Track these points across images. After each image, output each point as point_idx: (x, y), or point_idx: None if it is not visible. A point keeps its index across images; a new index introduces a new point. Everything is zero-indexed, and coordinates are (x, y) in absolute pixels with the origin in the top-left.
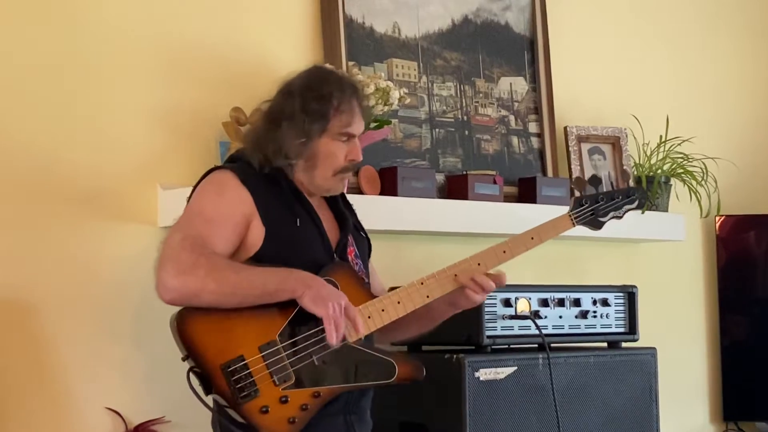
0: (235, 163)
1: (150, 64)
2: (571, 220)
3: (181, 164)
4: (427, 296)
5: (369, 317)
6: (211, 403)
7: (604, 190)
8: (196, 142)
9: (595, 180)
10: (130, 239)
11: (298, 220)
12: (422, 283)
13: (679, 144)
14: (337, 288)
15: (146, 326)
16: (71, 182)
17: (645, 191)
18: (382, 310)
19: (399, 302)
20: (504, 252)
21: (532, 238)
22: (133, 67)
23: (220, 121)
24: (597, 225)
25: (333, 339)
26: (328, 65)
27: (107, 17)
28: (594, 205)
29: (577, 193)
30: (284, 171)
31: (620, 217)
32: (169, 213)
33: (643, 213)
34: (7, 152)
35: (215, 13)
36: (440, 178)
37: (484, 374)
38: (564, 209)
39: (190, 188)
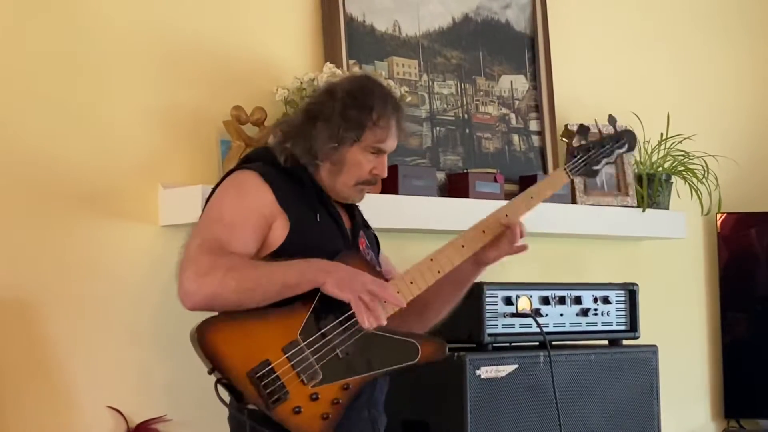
0: (254, 162)
1: (151, 63)
2: (566, 172)
3: (181, 163)
4: (438, 271)
5: (385, 301)
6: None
7: (594, 140)
8: (196, 140)
9: (583, 129)
10: (131, 238)
11: (318, 215)
12: (432, 260)
13: (680, 142)
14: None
15: (148, 325)
16: (72, 181)
17: (634, 134)
18: (398, 292)
19: (412, 282)
20: (506, 216)
21: (532, 198)
22: (133, 66)
23: (221, 119)
24: (591, 174)
25: (365, 321)
26: (378, 78)
27: (107, 16)
28: (586, 155)
29: (568, 144)
30: (307, 168)
31: (613, 162)
32: (170, 212)
33: (644, 211)
34: (8, 152)
35: (216, 12)
36: (441, 176)
37: (485, 372)
38: (565, 207)
39: (191, 187)
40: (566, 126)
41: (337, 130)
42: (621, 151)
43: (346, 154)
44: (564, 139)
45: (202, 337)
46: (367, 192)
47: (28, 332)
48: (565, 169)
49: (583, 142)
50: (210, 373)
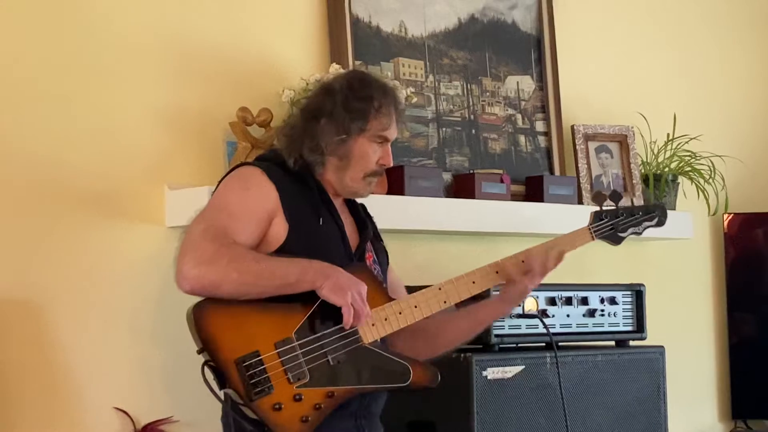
0: (262, 162)
1: (157, 65)
2: (591, 233)
3: (188, 164)
4: (444, 302)
5: (386, 319)
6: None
7: (625, 206)
8: (203, 142)
9: (616, 195)
10: (138, 239)
11: (321, 219)
12: (440, 289)
13: (687, 142)
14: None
15: (155, 326)
16: (79, 183)
17: (665, 209)
18: (399, 313)
19: (416, 306)
20: (522, 261)
21: (551, 249)
22: (140, 67)
23: (227, 120)
24: (616, 240)
25: (349, 323)
26: (368, 71)
27: (114, 18)
28: (614, 220)
29: (596, 207)
30: (312, 170)
31: (639, 233)
32: (176, 213)
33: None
34: (16, 153)
35: (222, 14)
36: (447, 177)
37: (492, 373)
38: (571, 207)
39: (198, 188)
40: (598, 191)
41: (342, 122)
42: (650, 224)
43: (353, 146)
44: (593, 202)
45: (198, 316)
46: (373, 192)
47: (35, 333)
48: (589, 229)
49: (612, 207)
50: (199, 352)
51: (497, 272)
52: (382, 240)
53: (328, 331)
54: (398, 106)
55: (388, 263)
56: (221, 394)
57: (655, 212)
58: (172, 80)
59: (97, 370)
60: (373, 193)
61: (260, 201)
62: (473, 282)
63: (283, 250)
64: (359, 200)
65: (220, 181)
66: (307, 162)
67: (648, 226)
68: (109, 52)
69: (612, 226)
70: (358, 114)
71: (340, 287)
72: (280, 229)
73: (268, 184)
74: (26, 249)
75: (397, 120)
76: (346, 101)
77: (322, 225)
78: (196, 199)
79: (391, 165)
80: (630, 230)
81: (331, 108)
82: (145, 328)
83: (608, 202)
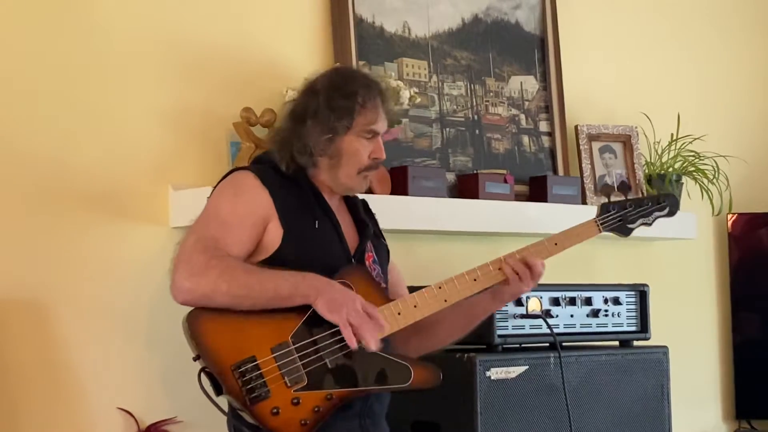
0: (257, 164)
1: (161, 66)
2: (597, 225)
3: (192, 165)
4: (445, 300)
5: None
6: (223, 405)
7: (633, 197)
8: (207, 142)
9: (624, 186)
10: (142, 240)
11: (316, 222)
12: (440, 288)
13: (691, 142)
14: (352, 290)
15: (159, 326)
16: (83, 183)
17: (676, 198)
18: (398, 314)
19: (416, 306)
20: (526, 265)
21: (556, 244)
22: (143, 68)
23: (231, 121)
24: (625, 231)
25: (354, 343)
26: (350, 66)
27: (118, 19)
28: (622, 212)
29: (604, 200)
30: (306, 172)
31: (650, 224)
32: (180, 213)
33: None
34: (20, 154)
35: (225, 14)
36: (451, 177)
37: (496, 373)
38: (575, 208)
39: (202, 189)
40: (606, 183)
41: (327, 122)
42: (660, 214)
43: (342, 143)
44: (601, 193)
45: (193, 324)
46: (374, 191)
47: (39, 333)
48: (596, 222)
49: (620, 198)
50: (195, 359)
51: (500, 269)
52: (383, 238)
53: (326, 333)
54: (384, 97)
55: (388, 261)
56: (219, 400)
57: (665, 202)
58: (175, 81)
59: (100, 371)
60: (376, 194)
61: (252, 207)
62: (474, 280)
63: (279, 255)
64: (360, 196)
65: (214, 188)
66: (299, 164)
67: (659, 216)
68: (113, 53)
69: (620, 218)
70: (343, 112)
71: (335, 303)
72: (275, 234)
73: (261, 189)
74: (30, 249)
75: (385, 111)
76: (329, 100)
77: (318, 227)
78: (199, 199)
79: (384, 158)
80: (639, 221)
81: (316, 108)
82: (149, 328)
83: (616, 192)
